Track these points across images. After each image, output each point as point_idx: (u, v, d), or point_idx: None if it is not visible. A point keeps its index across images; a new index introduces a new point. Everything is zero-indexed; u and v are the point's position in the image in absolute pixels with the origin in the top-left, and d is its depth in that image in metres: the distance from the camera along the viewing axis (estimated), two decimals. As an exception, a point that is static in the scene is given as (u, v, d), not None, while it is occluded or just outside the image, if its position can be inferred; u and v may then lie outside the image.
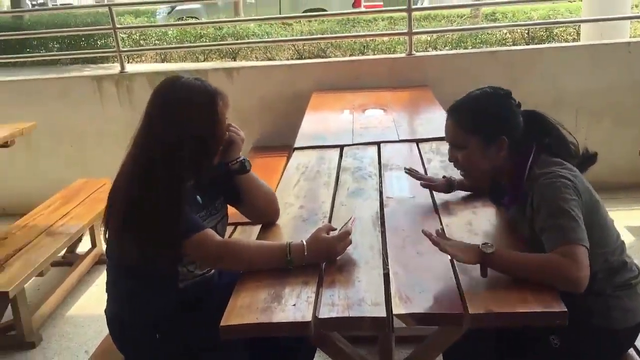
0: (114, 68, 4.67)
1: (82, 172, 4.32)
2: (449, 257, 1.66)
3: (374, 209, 2.06)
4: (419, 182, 2.22)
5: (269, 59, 9.44)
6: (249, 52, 9.51)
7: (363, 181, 2.35)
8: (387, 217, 1.98)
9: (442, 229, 1.70)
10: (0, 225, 3.78)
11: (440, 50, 9.16)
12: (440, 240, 1.57)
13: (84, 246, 3.86)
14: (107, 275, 1.95)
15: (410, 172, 2.20)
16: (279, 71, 4.43)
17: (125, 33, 9.64)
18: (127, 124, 4.26)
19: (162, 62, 9.57)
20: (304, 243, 1.67)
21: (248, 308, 1.50)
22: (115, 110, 4.41)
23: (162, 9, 15.11)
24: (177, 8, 14.58)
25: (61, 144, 4.62)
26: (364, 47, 9.18)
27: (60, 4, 37.96)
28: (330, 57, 9.36)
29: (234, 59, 9.51)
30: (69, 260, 3.73)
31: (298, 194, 2.27)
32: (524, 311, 1.42)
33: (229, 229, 2.50)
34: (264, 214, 2.01)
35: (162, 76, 4.29)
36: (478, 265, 1.53)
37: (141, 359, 1.92)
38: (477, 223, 1.89)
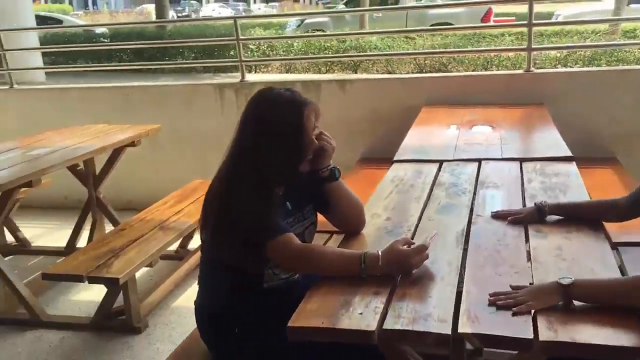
0: (238, 78, 4.92)
1: (201, 173, 4.57)
2: (529, 280, 1.62)
3: (460, 225, 2.02)
4: (512, 202, 2.17)
5: (389, 72, 9.47)
6: (370, 65, 9.61)
7: (456, 197, 2.32)
8: (473, 235, 1.94)
9: (513, 287, 1.55)
10: (124, 217, 4.11)
11: (571, 67, 8.72)
12: (511, 301, 1.47)
13: (195, 242, 4.10)
14: (199, 269, 2.08)
15: (498, 214, 2.08)
16: (391, 84, 4.46)
17: (254, 44, 10.11)
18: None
19: (287, 72, 9.92)
20: (380, 253, 1.68)
21: (316, 312, 1.54)
22: (233, 117, 4.55)
23: (292, 22, 15.67)
24: (306, 21, 15.07)
25: (184, 146, 4.93)
26: (488, 62, 8.95)
27: (202, 16, 40.59)
28: (452, 72, 9.22)
29: (355, 71, 9.64)
30: (181, 254, 3.97)
31: (387, 206, 2.28)
32: (601, 344, 1.34)
33: (324, 236, 2.56)
34: (350, 223, 2.05)
35: (277, 85, 4.46)
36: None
37: (220, 350, 2.02)
38: (568, 249, 1.80)
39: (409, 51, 9.32)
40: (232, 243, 1.80)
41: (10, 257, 4.25)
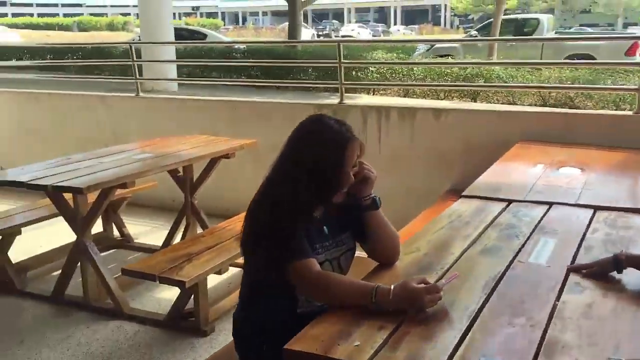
0: (357, 98, 5.06)
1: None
2: (541, 335, 1.54)
3: (496, 270, 1.95)
4: (564, 251, 2.06)
5: (510, 104, 9.17)
6: (490, 94, 9.36)
7: (506, 240, 2.24)
8: (504, 281, 1.87)
9: None
10: (214, 223, 4.34)
11: None
12: None
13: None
14: (241, 282, 2.18)
15: (574, 268, 1.95)
16: (486, 117, 4.35)
17: (374, 67, 10.23)
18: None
19: (404, 96, 9.92)
20: (391, 288, 1.68)
21: (316, 338, 1.57)
22: (329, 137, 4.75)
23: (421, 47, 15.62)
24: (436, 46, 14.94)
25: (281, 161, 5.10)
26: (620, 99, 8.37)
27: (342, 35, 41.67)
28: (579, 107, 8.76)
29: (474, 100, 9.43)
30: (261, 266, 4.12)
31: (432, 241, 2.25)
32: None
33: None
34: (384, 254, 2.05)
35: (373, 110, 4.53)
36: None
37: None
38: (600, 307, 1.69)
39: (516, 84, 9.03)
40: (257, 261, 1.89)
41: (113, 250, 4.65)
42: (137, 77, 5.73)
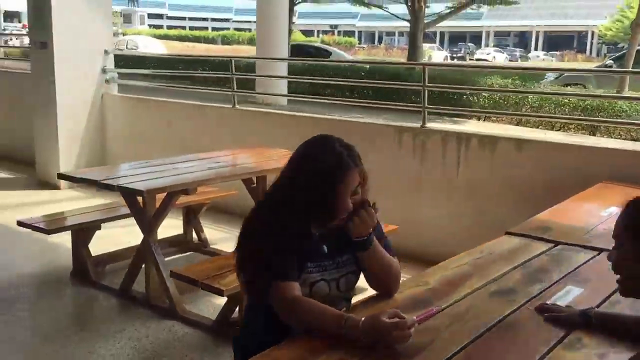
0: (465, 124, 4.95)
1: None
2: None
3: (499, 312, 1.81)
4: (584, 302, 1.88)
5: (634, 140, 8.46)
6: (611, 129, 8.68)
7: (528, 284, 2.06)
8: (500, 327, 1.73)
9: None
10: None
11: None
12: None
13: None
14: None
15: (542, 308, 1.82)
16: (571, 151, 4.06)
17: (487, 93, 9.90)
18: (415, 176, 4.50)
19: (517, 125, 9.47)
20: (361, 321, 1.61)
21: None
22: (407, 160, 4.66)
23: (550, 74, 14.89)
24: (566, 74, 14.17)
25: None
26: None
27: (477, 58, 40.80)
28: None
29: (593, 133, 8.80)
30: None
31: (445, 276, 2.12)
32: None
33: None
34: (380, 285, 1.97)
35: (453, 136, 4.38)
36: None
37: None
38: (593, 369, 1.51)
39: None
40: (244, 273, 1.89)
41: (189, 253, 4.84)
42: (234, 89, 5.97)
